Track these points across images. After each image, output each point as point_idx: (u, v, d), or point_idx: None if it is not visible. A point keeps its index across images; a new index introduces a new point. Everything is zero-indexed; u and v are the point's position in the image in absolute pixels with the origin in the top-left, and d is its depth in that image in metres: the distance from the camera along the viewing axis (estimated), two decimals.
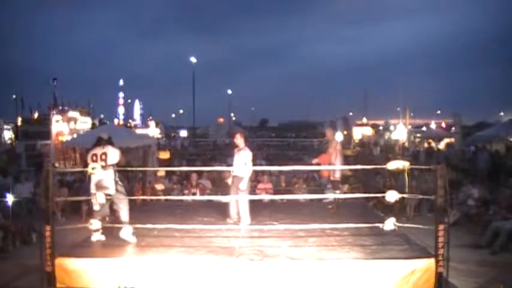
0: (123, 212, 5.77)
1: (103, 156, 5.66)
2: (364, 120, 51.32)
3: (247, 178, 6.76)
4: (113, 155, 5.71)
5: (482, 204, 9.02)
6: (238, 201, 6.72)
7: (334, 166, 7.92)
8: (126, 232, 5.68)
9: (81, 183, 10.78)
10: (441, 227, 4.83)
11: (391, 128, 37.20)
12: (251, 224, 6.51)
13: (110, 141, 5.85)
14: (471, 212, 9.01)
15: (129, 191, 10.48)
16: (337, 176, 8.10)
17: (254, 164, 7.23)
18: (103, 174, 5.64)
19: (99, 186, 5.65)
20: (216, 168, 10.76)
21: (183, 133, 43.27)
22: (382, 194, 5.59)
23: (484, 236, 7.71)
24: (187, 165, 13.70)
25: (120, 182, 5.81)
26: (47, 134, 17.90)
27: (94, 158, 5.67)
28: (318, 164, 8.43)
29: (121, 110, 53.70)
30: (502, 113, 44.79)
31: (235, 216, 6.81)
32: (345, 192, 8.52)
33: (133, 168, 10.98)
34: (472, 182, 10.17)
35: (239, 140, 6.94)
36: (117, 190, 5.71)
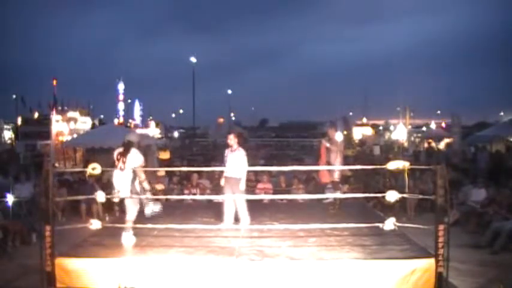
0: (130, 213, 5.79)
1: (124, 159, 5.71)
2: (364, 120, 51.34)
3: (244, 178, 6.74)
4: (133, 158, 5.73)
5: (489, 204, 8.95)
6: (236, 202, 6.68)
7: (332, 166, 7.91)
8: (127, 235, 5.70)
9: (81, 183, 10.79)
10: (441, 227, 4.83)
11: (391, 128, 37.22)
12: (251, 224, 6.51)
13: (134, 145, 5.87)
14: (477, 211, 8.95)
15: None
16: (336, 177, 8.08)
17: (254, 164, 7.22)
18: (121, 175, 5.70)
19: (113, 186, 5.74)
20: (216, 169, 10.73)
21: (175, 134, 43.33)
22: (382, 194, 5.59)
23: (484, 236, 7.71)
24: (188, 165, 13.69)
25: (138, 185, 5.75)
26: (47, 134, 17.90)
27: (118, 156, 5.77)
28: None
29: (121, 106, 53.66)
30: (502, 113, 44.91)
31: (232, 219, 6.73)
32: (344, 192, 8.52)
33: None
34: (473, 182, 10.15)
35: (233, 140, 6.87)
36: (131, 192, 5.71)
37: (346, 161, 9.36)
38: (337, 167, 7.89)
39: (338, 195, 7.66)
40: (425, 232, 5.24)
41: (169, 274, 4.86)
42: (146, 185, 5.79)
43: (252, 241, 5.75)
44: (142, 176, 5.76)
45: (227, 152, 6.97)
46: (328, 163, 7.98)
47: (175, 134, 41.71)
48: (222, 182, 7.01)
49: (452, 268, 5.09)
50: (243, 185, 6.71)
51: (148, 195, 5.87)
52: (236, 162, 6.73)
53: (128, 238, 5.67)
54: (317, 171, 9.58)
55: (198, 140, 38.20)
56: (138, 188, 5.77)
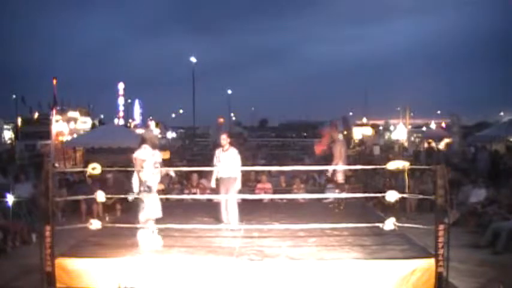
0: (140, 213, 5.77)
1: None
2: (364, 120, 51.32)
3: (240, 177, 6.71)
4: (139, 153, 5.77)
5: (489, 204, 8.95)
6: (229, 202, 6.63)
7: (334, 166, 7.92)
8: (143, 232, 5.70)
9: (81, 183, 10.79)
10: (441, 227, 4.84)
11: (391, 128, 37.24)
12: (251, 224, 6.50)
13: (146, 141, 5.90)
14: (477, 211, 8.94)
15: (129, 190, 10.52)
16: (340, 178, 8.10)
17: (254, 164, 7.22)
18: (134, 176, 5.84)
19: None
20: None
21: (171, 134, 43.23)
22: (382, 194, 5.59)
23: (484, 236, 7.70)
24: (188, 165, 13.67)
25: (148, 184, 5.71)
26: (47, 134, 17.91)
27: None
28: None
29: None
30: (502, 113, 44.86)
31: (228, 218, 6.72)
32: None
33: (134, 168, 10.96)
34: (473, 182, 10.15)
35: (225, 140, 6.84)
36: (140, 191, 5.71)
37: (346, 160, 9.36)
38: (339, 167, 7.90)
39: (340, 195, 7.67)
40: (425, 232, 5.24)
41: (169, 274, 4.86)
42: (143, 177, 5.68)
43: (252, 241, 5.75)
44: (139, 168, 5.68)
45: (218, 152, 6.91)
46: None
47: (169, 135, 41.42)
48: (213, 183, 6.95)
49: (452, 268, 5.09)
50: (239, 184, 6.68)
51: (147, 188, 5.71)
52: (229, 161, 6.69)
53: (145, 237, 5.61)
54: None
55: (198, 140, 38.19)
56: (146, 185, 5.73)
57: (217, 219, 6.83)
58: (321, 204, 8.18)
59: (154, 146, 5.91)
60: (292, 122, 73.11)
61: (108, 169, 9.36)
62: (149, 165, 5.74)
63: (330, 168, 8.12)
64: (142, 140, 5.93)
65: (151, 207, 5.71)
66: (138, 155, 5.75)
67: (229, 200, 6.64)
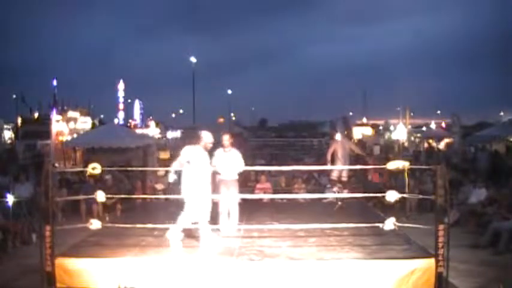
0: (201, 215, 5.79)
1: None
2: (364, 120, 51.33)
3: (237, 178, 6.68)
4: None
5: (489, 204, 8.94)
6: (231, 203, 6.56)
7: (336, 166, 7.93)
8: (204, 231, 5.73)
9: (81, 183, 10.81)
10: (441, 227, 4.84)
11: (391, 128, 37.20)
12: (251, 224, 6.49)
13: (199, 142, 5.89)
14: (477, 211, 8.93)
15: (129, 190, 10.54)
16: (334, 176, 8.10)
17: (254, 164, 7.19)
18: None
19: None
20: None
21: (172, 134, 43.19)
22: (382, 194, 5.59)
23: (484, 236, 7.70)
24: None
25: (190, 184, 5.72)
26: (47, 134, 17.90)
27: None
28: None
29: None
30: (502, 113, 44.90)
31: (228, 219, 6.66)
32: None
33: (134, 168, 11.00)
34: (473, 182, 10.15)
35: (228, 140, 6.72)
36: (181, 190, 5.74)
37: (347, 160, 9.36)
38: (339, 167, 7.90)
39: (341, 194, 7.68)
40: (425, 232, 5.24)
41: (169, 274, 4.86)
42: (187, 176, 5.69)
43: (252, 241, 5.75)
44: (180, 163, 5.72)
45: (219, 152, 6.74)
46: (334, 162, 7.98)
47: (172, 134, 41.38)
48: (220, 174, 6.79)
49: (452, 268, 5.09)
50: (237, 186, 6.65)
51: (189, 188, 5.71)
52: (231, 162, 6.58)
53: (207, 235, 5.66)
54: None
55: None
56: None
57: (217, 219, 6.81)
58: (321, 204, 8.17)
59: (205, 149, 5.90)
60: (292, 122, 73.08)
61: (108, 169, 9.35)
62: (193, 166, 5.70)
63: (324, 167, 8.11)
64: (199, 139, 5.88)
65: (190, 208, 5.71)
66: (184, 151, 5.75)
67: (230, 201, 6.61)
